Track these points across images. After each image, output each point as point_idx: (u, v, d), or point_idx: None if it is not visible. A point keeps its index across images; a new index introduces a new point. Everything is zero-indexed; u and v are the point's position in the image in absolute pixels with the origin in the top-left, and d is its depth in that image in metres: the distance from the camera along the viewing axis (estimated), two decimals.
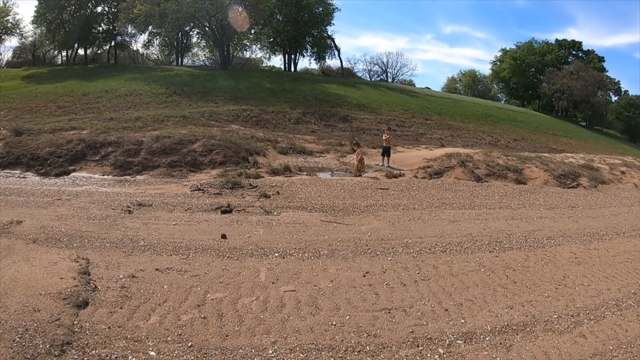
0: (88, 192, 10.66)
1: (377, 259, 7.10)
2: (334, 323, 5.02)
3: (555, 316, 5.57)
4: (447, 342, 4.81)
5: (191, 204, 9.92)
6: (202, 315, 4.98)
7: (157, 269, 6.18)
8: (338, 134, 22.41)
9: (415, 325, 5.10)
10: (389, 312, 5.35)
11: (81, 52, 58.54)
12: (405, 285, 6.13)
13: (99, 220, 8.38)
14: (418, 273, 6.57)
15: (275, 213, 9.49)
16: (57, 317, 4.73)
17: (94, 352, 4.22)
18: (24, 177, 12.31)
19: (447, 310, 5.51)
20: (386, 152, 16.42)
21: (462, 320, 5.27)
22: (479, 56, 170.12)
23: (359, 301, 5.60)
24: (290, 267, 6.55)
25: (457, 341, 4.84)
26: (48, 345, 4.23)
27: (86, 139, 14.48)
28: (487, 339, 4.93)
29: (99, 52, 61.37)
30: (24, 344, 4.25)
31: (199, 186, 11.40)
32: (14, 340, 4.30)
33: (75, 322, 4.70)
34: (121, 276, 5.88)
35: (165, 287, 5.67)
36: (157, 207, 9.56)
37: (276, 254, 7.01)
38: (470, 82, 77.40)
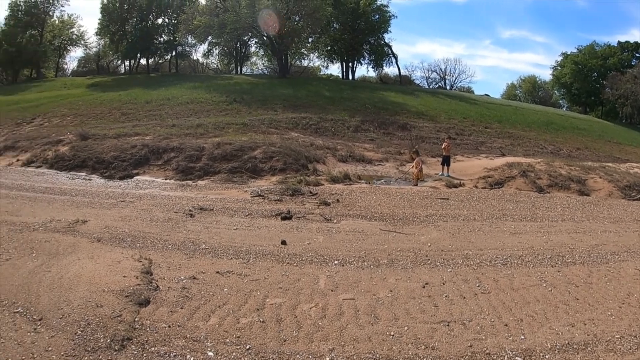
0: (151, 195, 11.52)
1: (437, 270, 7.11)
2: (392, 333, 5.10)
3: (618, 336, 5.33)
4: (506, 358, 4.77)
5: (252, 209, 10.41)
6: (261, 319, 5.25)
7: (217, 272, 6.58)
8: (397, 142, 22.49)
9: (474, 339, 5.09)
10: (448, 325, 5.36)
11: (143, 61, 63.50)
12: (464, 297, 6.11)
13: (161, 223, 9.04)
14: (478, 286, 6.52)
15: (335, 221, 9.72)
16: (119, 314, 5.22)
17: (153, 349, 4.61)
18: (89, 179, 13.64)
19: (506, 325, 5.44)
20: (446, 162, 16.44)
21: (522, 337, 5.20)
22: (539, 61, 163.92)
23: (418, 312, 5.65)
24: (350, 275, 6.71)
25: (516, 358, 4.78)
26: (109, 340, 4.69)
27: (149, 144, 15.63)
28: (547, 357, 4.84)
29: (160, 61, 65.87)
30: (85, 337, 4.75)
31: (259, 192, 11.92)
32: (75, 333, 4.83)
33: (136, 319, 5.15)
34: (182, 277, 6.33)
35: (225, 290, 6.03)
36: (218, 212, 10.13)
37: (336, 262, 7.20)
38: (530, 89, 76.14)
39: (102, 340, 4.71)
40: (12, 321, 5.15)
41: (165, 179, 13.68)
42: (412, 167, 15.01)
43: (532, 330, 5.35)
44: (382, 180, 15.24)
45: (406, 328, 5.23)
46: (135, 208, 10.12)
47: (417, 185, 14.21)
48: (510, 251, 8.22)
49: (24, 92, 45.16)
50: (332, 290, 6.13)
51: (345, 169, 15.18)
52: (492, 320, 5.54)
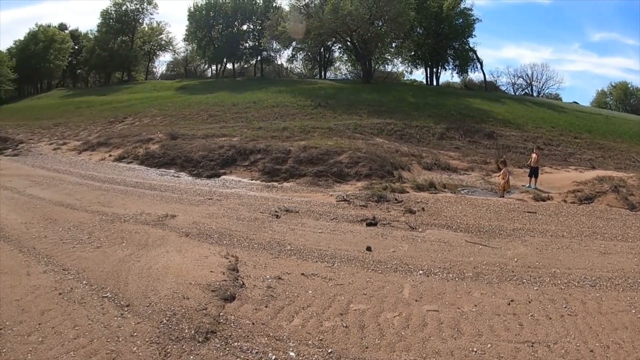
0: (237, 195, 11.84)
1: (523, 287, 6.72)
2: (474, 349, 4.89)
3: None
4: None
5: (337, 213, 10.39)
6: (344, 324, 5.17)
7: (302, 274, 6.58)
8: (483, 151, 21.64)
9: None
10: (532, 346, 5.05)
11: (229, 66, 66.49)
12: (550, 318, 5.72)
13: (247, 222, 9.23)
14: (565, 307, 6.06)
15: (420, 229, 9.49)
16: (204, 307, 5.33)
17: (236, 344, 4.67)
18: (177, 177, 14.38)
19: (592, 351, 5.01)
20: (534, 173, 15.58)
21: None
22: (631, 66, 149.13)
23: (502, 330, 5.38)
24: (434, 286, 6.49)
25: None
26: (193, 331, 4.82)
27: (236, 145, 16.17)
28: None
29: (245, 66, 68.54)
30: (170, 326, 4.92)
31: (344, 197, 11.89)
32: (161, 322, 5.01)
33: (221, 314, 5.24)
34: (268, 277, 6.38)
35: (310, 292, 6.00)
36: (303, 214, 10.20)
37: (420, 272, 6.99)
38: (621, 96, 70.11)
39: (186, 331, 4.85)
40: (101, 305, 5.47)
41: (252, 180, 14.05)
42: (499, 178, 14.46)
43: (618, 359, 4.93)
44: (467, 190, 14.76)
45: (489, 345, 4.98)
46: (222, 206, 10.43)
47: (503, 196, 13.65)
48: (599, 272, 7.61)
49: (116, 93, 48.42)
50: (416, 301, 5.96)
51: (431, 177, 14.87)
52: (578, 344, 5.14)
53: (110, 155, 18.35)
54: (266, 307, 5.51)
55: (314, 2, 42.43)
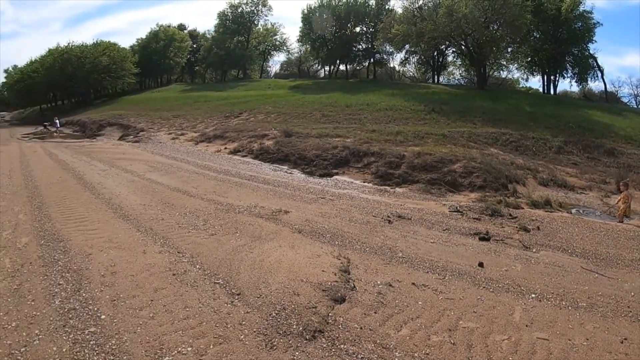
0: (349, 196, 11.92)
1: (638, 325, 6.07)
2: None
3: None
4: None
5: (449, 224, 10.09)
6: (452, 341, 5.02)
7: (413, 284, 6.44)
8: (602, 169, 19.82)
9: None
10: None
11: (342, 67, 67.54)
12: None
13: (359, 225, 9.24)
14: None
15: (534, 250, 8.94)
16: (314, 305, 5.40)
17: (342, 346, 4.71)
18: (290, 173, 14.91)
19: None
20: None
21: None
22: None
23: None
24: (546, 312, 6.08)
25: None
26: (301, 328, 4.93)
27: (350, 146, 16.34)
28: None
29: (358, 68, 69.20)
30: (279, 320, 5.07)
31: (457, 208, 11.54)
32: (270, 314, 5.17)
33: (330, 314, 5.28)
34: (379, 282, 6.32)
35: (420, 303, 5.86)
36: (415, 222, 10.02)
37: (532, 295, 6.58)
38: None
39: (294, 326, 4.96)
40: (212, 290, 5.77)
41: (364, 182, 14.11)
42: (619, 201, 13.25)
43: None
44: (583, 211, 13.70)
45: None
46: (335, 206, 10.57)
47: (622, 222, 12.40)
48: None
49: (232, 89, 50.80)
50: (526, 326, 5.63)
51: (547, 194, 13.96)
52: None
53: (225, 148, 19.38)
54: (375, 313, 5.48)
55: (427, 5, 41.73)
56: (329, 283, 6.03)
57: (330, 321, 5.17)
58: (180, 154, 18.81)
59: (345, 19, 58.91)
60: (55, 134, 38.46)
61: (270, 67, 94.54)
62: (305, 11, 63.14)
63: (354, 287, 6.11)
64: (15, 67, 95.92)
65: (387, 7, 56.36)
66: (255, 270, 6.36)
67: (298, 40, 68.84)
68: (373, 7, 57.43)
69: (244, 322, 5.01)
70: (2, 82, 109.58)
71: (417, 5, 42.28)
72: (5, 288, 5.93)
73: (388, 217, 10.00)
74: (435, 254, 7.94)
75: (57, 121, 46.13)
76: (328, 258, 6.97)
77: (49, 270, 6.47)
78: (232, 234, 8.04)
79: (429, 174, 14.46)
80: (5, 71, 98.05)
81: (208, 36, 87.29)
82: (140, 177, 13.68)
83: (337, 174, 14.74)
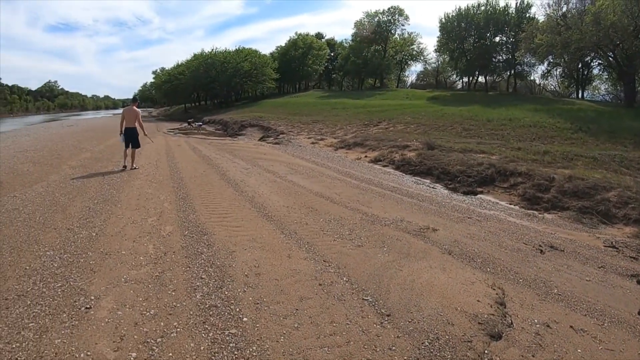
0: (497, 218, 11.18)
1: None
2: None
3: None
4: None
5: (604, 261, 8.99)
6: None
7: (571, 327, 5.74)
8: None
9: None
10: None
11: (480, 79, 65.25)
12: None
13: (510, 251, 8.55)
14: None
15: None
16: (469, 339, 4.97)
17: None
18: (433, 187, 14.37)
19: None
20: None
21: None
22: None
23: None
24: None
25: None
26: None
27: (495, 164, 15.42)
28: None
29: (497, 79, 66.28)
30: (432, 350, 4.68)
31: (612, 243, 10.29)
32: (422, 343, 4.80)
33: (485, 352, 4.81)
34: (536, 321, 5.70)
35: (579, 351, 5.16)
36: (568, 255, 9.08)
37: None
38: None
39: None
40: (360, 307, 5.49)
41: (510, 204, 13.16)
42: None
43: None
44: None
45: None
46: (483, 228, 9.93)
47: None
48: None
49: (369, 98, 51.14)
50: None
51: None
52: None
53: (365, 156, 19.33)
54: (533, 356, 4.91)
55: (572, 12, 38.64)
56: (485, 315, 5.54)
57: (485, 359, 4.71)
58: (320, 158, 19.06)
59: (484, 28, 56.91)
60: (197, 131, 41.17)
61: (407, 77, 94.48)
62: (443, 20, 61.87)
63: (511, 323, 5.55)
64: (162, 69, 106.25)
65: (527, 15, 53.32)
66: (406, 291, 6.02)
67: (436, 50, 68.26)
68: (513, 15, 54.56)
69: (394, 348, 4.69)
70: (151, 82, 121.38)
71: (560, 13, 39.67)
72: (147, 274, 6.21)
73: (540, 246, 9.16)
74: (592, 294, 7.07)
75: (199, 123, 49.69)
76: (482, 286, 6.45)
77: (192, 262, 6.68)
78: (379, 247, 7.78)
79: (580, 201, 13.17)
80: (153, 72, 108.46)
81: (345, 45, 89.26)
82: (282, 178, 14.03)
83: (481, 192, 13.91)
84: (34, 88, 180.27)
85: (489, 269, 7.33)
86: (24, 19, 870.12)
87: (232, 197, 11.24)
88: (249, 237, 7.93)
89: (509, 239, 9.37)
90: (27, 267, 6.35)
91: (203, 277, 6.16)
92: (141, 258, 6.80)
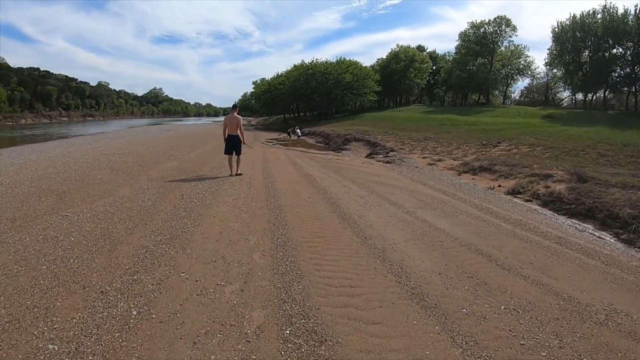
0: None
1: None
2: None
3: None
4: None
5: None
6: None
7: None
8: None
9: None
10: None
11: (596, 95, 58.30)
12: None
13: None
14: None
15: None
16: None
17: None
18: (599, 237, 10.01)
19: None
20: None
21: None
22: None
23: None
24: None
25: None
26: None
27: None
28: None
29: (612, 96, 59.24)
30: None
31: None
32: None
33: None
34: None
35: None
36: None
37: None
38: None
39: None
40: None
41: None
42: None
43: None
44: None
45: None
46: None
47: None
48: None
49: (477, 114, 47.00)
50: None
51: None
52: None
53: (499, 186, 15.57)
54: None
55: None
56: None
57: None
58: (446, 185, 15.35)
59: (602, 38, 50.46)
60: (297, 142, 39.35)
61: (513, 92, 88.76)
62: (557, 29, 55.74)
63: None
64: (262, 79, 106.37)
65: None
66: None
67: (547, 64, 61.93)
68: (633, 23, 47.70)
69: None
70: (251, 92, 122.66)
71: None
72: None
73: None
74: None
75: (299, 130, 47.65)
76: None
77: None
78: None
79: None
80: (253, 83, 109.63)
81: (447, 58, 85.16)
82: (411, 215, 10.34)
83: None
84: (140, 94, 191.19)
85: None
86: (131, 30, 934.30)
87: (353, 247, 7.61)
88: (398, 349, 4.51)
89: None
90: None
91: None
92: None
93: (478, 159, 20.52)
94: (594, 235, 10.18)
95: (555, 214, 12.04)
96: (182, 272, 6.11)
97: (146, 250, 6.87)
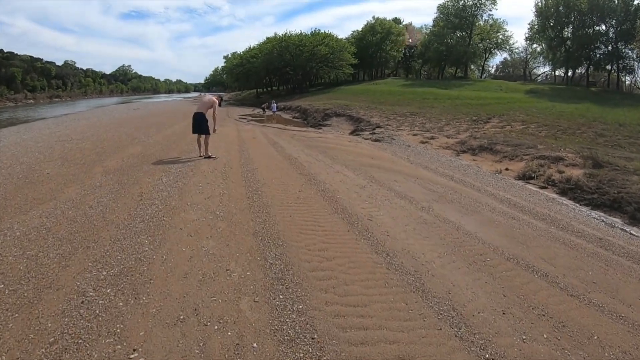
0: None
1: None
2: None
3: None
4: None
5: None
6: None
7: None
8: None
9: None
10: None
11: (577, 72, 57.71)
12: None
13: None
14: None
15: None
16: None
17: None
18: (629, 233, 8.49)
19: None
20: None
21: None
22: None
23: None
24: None
25: None
26: None
27: None
28: None
29: (599, 73, 58.73)
30: None
31: None
32: None
33: None
34: None
35: None
36: None
37: None
38: None
39: None
40: None
41: None
42: None
43: None
44: None
45: None
46: None
47: None
48: None
49: (458, 88, 45.69)
50: None
51: None
52: None
53: (506, 169, 13.90)
54: None
55: None
56: None
57: None
58: (449, 169, 13.35)
59: (586, 15, 49.71)
60: (272, 118, 37.64)
61: (491, 67, 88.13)
62: (540, 4, 54.58)
63: None
64: (234, 53, 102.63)
65: (635, 2, 46.08)
66: None
67: (527, 39, 60.89)
68: (619, 1, 46.95)
69: None
70: (222, 66, 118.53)
71: None
72: None
73: None
74: None
75: (274, 105, 45.55)
76: None
77: None
78: None
79: None
80: (225, 57, 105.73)
81: (424, 31, 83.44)
82: (429, 213, 8.36)
83: None
84: (108, 72, 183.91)
85: None
86: (97, 7, 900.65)
87: (377, 275, 5.52)
88: None
89: None
90: None
91: None
92: None
93: (474, 137, 19.00)
94: (623, 229, 8.68)
95: (577, 205, 10.50)
96: (133, 351, 3.82)
97: (82, 302, 4.56)
